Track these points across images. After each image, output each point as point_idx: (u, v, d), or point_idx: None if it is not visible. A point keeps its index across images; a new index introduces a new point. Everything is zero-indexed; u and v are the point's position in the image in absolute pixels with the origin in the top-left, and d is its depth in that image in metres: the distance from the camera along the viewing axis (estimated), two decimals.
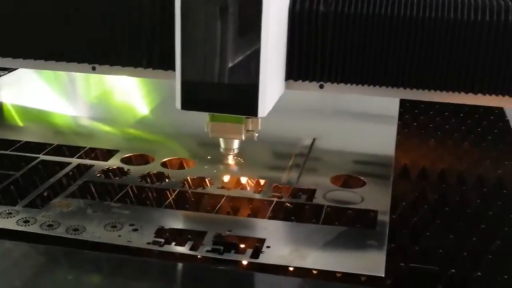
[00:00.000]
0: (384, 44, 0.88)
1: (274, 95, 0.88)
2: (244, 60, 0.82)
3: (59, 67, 0.98)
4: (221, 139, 0.97)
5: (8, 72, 1.47)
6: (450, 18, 0.86)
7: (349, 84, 0.91)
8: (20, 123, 1.25)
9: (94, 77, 1.47)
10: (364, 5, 0.88)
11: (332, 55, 0.90)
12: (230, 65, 0.82)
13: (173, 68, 0.85)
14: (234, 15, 0.80)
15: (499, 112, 1.29)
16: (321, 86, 0.93)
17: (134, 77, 1.10)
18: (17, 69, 1.44)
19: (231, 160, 1.01)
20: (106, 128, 1.23)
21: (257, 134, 0.91)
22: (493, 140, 1.17)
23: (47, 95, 1.42)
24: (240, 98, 0.84)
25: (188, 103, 0.85)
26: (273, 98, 0.87)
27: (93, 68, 0.97)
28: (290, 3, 0.89)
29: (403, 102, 1.30)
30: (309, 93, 0.95)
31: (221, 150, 0.98)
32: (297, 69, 0.91)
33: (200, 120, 0.92)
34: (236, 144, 0.97)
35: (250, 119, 0.89)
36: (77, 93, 1.49)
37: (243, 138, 0.91)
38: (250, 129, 0.90)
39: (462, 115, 1.27)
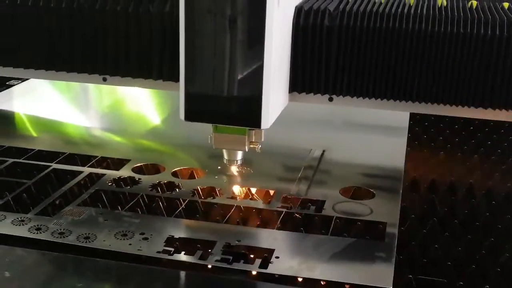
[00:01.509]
0: (391, 58, 0.89)
1: (278, 107, 0.88)
2: (247, 72, 0.82)
3: (70, 78, 0.99)
4: (224, 151, 0.97)
5: (22, 82, 1.49)
6: (460, 32, 0.87)
7: (355, 97, 0.92)
8: (33, 132, 1.26)
9: (106, 87, 1.48)
10: (370, 19, 0.88)
11: (338, 68, 0.90)
12: (233, 77, 0.83)
13: None
14: (237, 28, 0.81)
15: (509, 125, 1.29)
16: (331, 99, 0.93)
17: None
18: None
19: (240, 171, 1.02)
20: (118, 138, 1.24)
21: (260, 146, 0.91)
22: (502, 154, 1.17)
23: (60, 104, 1.44)
24: (243, 110, 0.84)
25: (192, 114, 0.86)
26: (276, 110, 0.87)
27: (104, 79, 0.98)
28: (294, 16, 0.89)
29: (413, 115, 1.30)
30: (318, 104, 0.95)
31: (224, 161, 0.98)
32: (301, 81, 0.92)
33: (211, 130, 0.92)
34: (239, 155, 0.97)
35: (253, 131, 0.89)
36: (89, 102, 1.50)
37: (247, 149, 0.91)
38: (253, 140, 0.90)
39: (472, 128, 1.27)
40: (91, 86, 1.50)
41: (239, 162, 0.98)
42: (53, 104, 1.43)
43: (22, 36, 0.97)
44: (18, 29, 0.97)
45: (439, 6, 0.92)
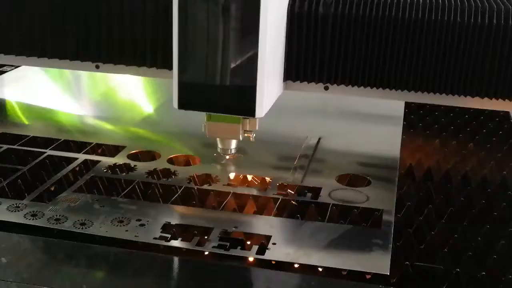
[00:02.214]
0: (386, 46, 0.88)
1: (272, 96, 0.87)
2: (241, 60, 0.82)
3: (62, 65, 0.98)
4: (218, 139, 0.96)
5: (14, 68, 1.48)
6: (456, 21, 0.86)
7: (350, 86, 0.91)
8: (25, 120, 1.25)
9: (99, 74, 1.47)
10: (366, 7, 0.88)
11: (332, 56, 0.90)
12: (227, 65, 0.82)
13: None
14: (231, 16, 0.80)
15: (504, 113, 1.29)
16: (326, 88, 0.93)
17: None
18: None
19: (236, 158, 1.01)
20: (112, 126, 1.23)
21: (254, 135, 0.90)
22: (497, 142, 1.17)
23: (52, 91, 1.43)
24: (237, 98, 0.84)
25: (185, 102, 0.85)
26: (271, 99, 0.87)
27: (97, 67, 0.97)
28: (288, 4, 0.88)
29: (408, 103, 1.30)
30: (313, 93, 0.95)
31: (218, 150, 0.96)
32: (296, 69, 0.91)
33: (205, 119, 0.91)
34: (233, 144, 0.96)
35: (247, 120, 0.88)
36: (82, 90, 1.49)
37: (241, 138, 0.90)
38: (247, 129, 0.89)
39: (467, 116, 1.28)
40: (83, 73, 1.48)
41: (233, 151, 0.96)
42: (45, 91, 1.42)
43: (13, 22, 0.96)
44: (9, 14, 0.96)
45: None
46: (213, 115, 0.89)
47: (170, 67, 0.91)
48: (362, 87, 0.91)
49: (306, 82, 0.92)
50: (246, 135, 0.90)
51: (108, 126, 1.23)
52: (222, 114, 0.87)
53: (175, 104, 0.85)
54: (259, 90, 0.82)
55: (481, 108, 0.92)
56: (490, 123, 1.25)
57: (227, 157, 0.98)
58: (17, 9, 0.95)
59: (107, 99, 1.42)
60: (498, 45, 0.86)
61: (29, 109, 1.30)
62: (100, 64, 0.97)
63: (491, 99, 0.89)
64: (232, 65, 0.82)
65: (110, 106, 1.38)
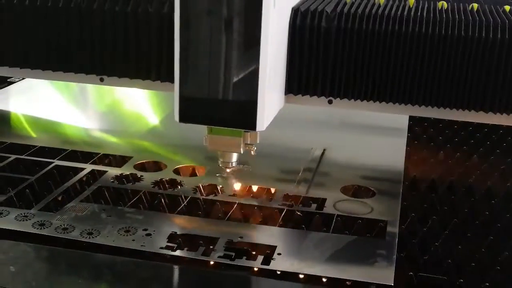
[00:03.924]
0: (390, 60, 0.88)
1: (273, 109, 0.87)
2: (242, 74, 0.81)
3: (67, 78, 0.98)
4: (219, 152, 0.95)
5: (23, 79, 1.49)
6: (461, 35, 0.86)
7: (353, 100, 0.91)
8: (31, 131, 1.26)
9: (104, 86, 1.48)
10: (369, 21, 0.88)
11: (335, 70, 0.90)
12: (228, 78, 0.82)
13: None
14: (233, 29, 0.80)
15: (508, 126, 1.30)
16: (330, 102, 0.93)
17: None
18: None
19: (241, 169, 1.02)
20: (117, 137, 1.24)
21: (255, 148, 0.90)
22: (501, 154, 1.17)
23: (58, 103, 1.44)
24: (238, 112, 0.83)
25: (186, 116, 0.85)
26: (272, 112, 0.86)
27: (101, 80, 0.97)
28: (290, 18, 0.89)
29: (412, 115, 1.31)
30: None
31: (219, 163, 0.95)
32: (298, 83, 0.91)
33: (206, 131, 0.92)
34: (234, 157, 0.95)
35: (249, 133, 0.88)
36: (88, 101, 1.50)
37: (242, 151, 0.90)
38: (248, 142, 0.89)
39: (471, 128, 1.28)
40: (89, 85, 1.49)
41: (234, 164, 0.96)
42: (51, 103, 1.43)
43: (19, 35, 0.97)
44: (15, 28, 0.97)
45: (440, 8, 0.92)
46: (214, 128, 0.89)
47: (174, 80, 0.92)
48: (365, 101, 0.92)
49: (308, 96, 0.92)
50: (247, 148, 0.90)
51: (114, 138, 1.24)
52: (224, 128, 0.87)
53: (176, 117, 0.85)
54: (260, 104, 0.82)
55: (485, 122, 0.92)
56: (494, 135, 1.26)
57: (228, 170, 0.97)
58: (22, 22, 0.96)
59: (113, 111, 1.43)
60: (502, 60, 0.86)
61: (35, 121, 1.31)
62: (104, 77, 0.97)
63: (495, 113, 0.90)
64: (233, 79, 0.82)
65: (115, 117, 1.39)
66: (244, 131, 0.88)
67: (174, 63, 0.86)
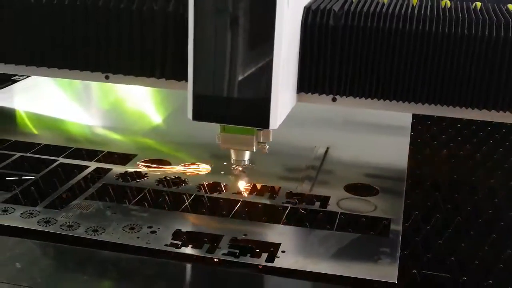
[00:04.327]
0: (394, 58, 0.89)
1: (286, 107, 0.88)
2: (256, 72, 0.82)
3: (72, 76, 0.99)
4: (232, 151, 0.96)
5: (27, 77, 1.50)
6: (464, 34, 0.87)
7: (358, 98, 0.92)
8: (35, 129, 1.26)
9: (108, 83, 1.48)
10: (374, 19, 0.88)
11: (342, 68, 0.90)
12: (242, 77, 0.82)
13: (186, 78, 0.85)
14: (246, 28, 0.81)
15: (511, 125, 1.30)
16: (334, 100, 0.94)
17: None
18: None
19: (245, 167, 1.02)
20: (121, 135, 1.24)
21: (268, 146, 0.91)
22: (504, 152, 1.18)
23: (62, 101, 1.44)
24: (252, 110, 0.84)
25: (200, 114, 0.85)
26: (284, 110, 0.87)
27: (107, 77, 0.98)
28: (303, 16, 0.90)
29: (416, 113, 1.31)
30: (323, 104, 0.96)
31: (232, 161, 0.97)
32: (308, 81, 0.92)
33: (216, 127, 0.92)
34: (247, 155, 0.96)
35: (261, 131, 0.89)
36: (92, 99, 1.50)
37: (255, 150, 0.91)
38: (261, 140, 0.90)
39: (474, 127, 1.29)
40: (93, 83, 1.50)
41: (246, 162, 0.97)
42: (56, 100, 1.43)
43: (24, 33, 0.97)
44: (20, 26, 0.97)
45: (443, 7, 0.93)
46: (227, 127, 0.90)
47: (179, 78, 0.93)
48: (369, 99, 0.92)
49: (317, 94, 0.93)
50: (259, 146, 0.91)
51: (118, 136, 1.24)
52: (237, 126, 0.88)
53: (190, 115, 0.86)
54: (273, 102, 0.82)
55: (488, 120, 0.92)
56: (497, 134, 1.26)
57: (240, 168, 0.99)
58: (27, 20, 0.96)
59: (117, 108, 1.44)
60: (505, 58, 0.87)
61: (39, 119, 1.32)
62: (109, 74, 0.98)
63: (498, 111, 0.90)
64: (247, 77, 0.82)
65: (119, 115, 1.39)
66: (257, 129, 0.89)
67: (179, 61, 0.86)
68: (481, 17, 0.88)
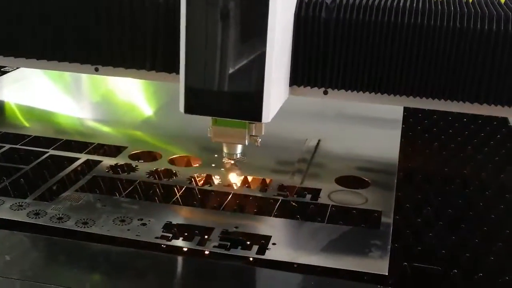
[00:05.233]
0: (386, 52, 0.88)
1: (279, 100, 0.88)
2: (249, 65, 0.82)
3: (61, 68, 0.98)
4: (224, 144, 0.96)
5: (16, 68, 1.49)
6: (456, 27, 0.87)
7: (350, 91, 0.92)
8: (25, 121, 1.25)
9: (98, 76, 1.47)
10: (366, 12, 0.88)
11: (334, 61, 0.90)
12: (235, 70, 0.82)
13: (176, 71, 0.85)
14: (240, 21, 0.81)
15: (502, 118, 1.31)
16: (325, 93, 0.93)
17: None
18: None
19: (236, 159, 1.02)
20: (112, 127, 1.23)
21: (260, 140, 0.91)
22: (495, 145, 1.18)
23: (52, 93, 1.43)
24: (244, 103, 0.84)
25: (192, 107, 0.85)
26: (277, 103, 0.87)
27: (96, 69, 0.97)
28: (296, 8, 0.89)
29: (407, 106, 1.31)
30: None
31: (224, 155, 0.97)
32: (301, 74, 0.92)
33: (207, 120, 0.92)
34: (239, 149, 0.96)
35: (253, 124, 0.89)
36: (82, 91, 1.50)
37: (247, 143, 0.91)
38: (253, 134, 0.90)
39: (465, 120, 1.29)
40: (83, 75, 1.49)
41: (238, 156, 0.97)
42: (45, 92, 1.42)
43: (13, 24, 0.96)
44: (9, 17, 0.96)
45: (435, 0, 0.93)
46: (218, 120, 0.89)
47: (169, 70, 0.92)
48: (361, 92, 0.92)
49: (309, 87, 0.93)
50: (251, 139, 0.91)
51: (108, 128, 1.24)
52: (228, 119, 0.87)
53: (182, 108, 0.85)
54: (266, 95, 0.82)
55: (479, 113, 0.92)
56: (488, 127, 1.26)
57: (232, 161, 0.98)
58: (16, 12, 0.95)
59: (107, 100, 1.43)
60: (497, 52, 0.87)
61: (29, 111, 1.31)
62: (99, 66, 0.97)
63: (489, 105, 0.90)
64: (239, 70, 0.82)
65: (110, 107, 1.38)
66: (249, 123, 0.88)
67: (169, 53, 0.86)
68: (473, 10, 0.88)
